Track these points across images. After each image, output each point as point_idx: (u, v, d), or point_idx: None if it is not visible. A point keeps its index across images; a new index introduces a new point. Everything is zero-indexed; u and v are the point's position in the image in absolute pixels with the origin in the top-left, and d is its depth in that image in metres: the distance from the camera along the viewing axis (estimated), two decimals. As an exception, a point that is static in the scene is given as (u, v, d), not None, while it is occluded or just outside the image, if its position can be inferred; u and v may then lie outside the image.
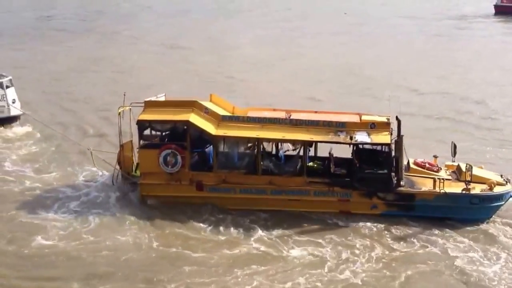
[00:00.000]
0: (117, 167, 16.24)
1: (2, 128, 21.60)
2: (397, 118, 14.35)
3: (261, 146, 14.86)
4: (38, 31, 47.49)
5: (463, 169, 14.57)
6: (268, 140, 15.01)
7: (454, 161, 15.49)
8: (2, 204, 15.60)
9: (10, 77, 22.28)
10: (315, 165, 15.48)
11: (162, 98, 16.54)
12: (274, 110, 16.36)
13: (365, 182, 14.39)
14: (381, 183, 14.36)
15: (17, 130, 21.63)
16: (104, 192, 16.13)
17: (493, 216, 14.37)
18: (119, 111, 15.98)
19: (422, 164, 14.99)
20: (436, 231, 13.82)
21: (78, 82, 29.54)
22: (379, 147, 14.60)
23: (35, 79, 29.90)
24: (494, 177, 14.79)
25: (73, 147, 19.48)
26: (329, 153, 15.51)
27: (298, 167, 14.86)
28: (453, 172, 15.12)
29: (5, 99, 21.56)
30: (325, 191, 14.55)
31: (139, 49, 39.55)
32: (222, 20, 52.99)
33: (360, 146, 14.59)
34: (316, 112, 16.20)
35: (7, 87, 21.84)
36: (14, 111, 21.93)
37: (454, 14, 58.58)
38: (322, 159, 15.73)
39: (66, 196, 16.03)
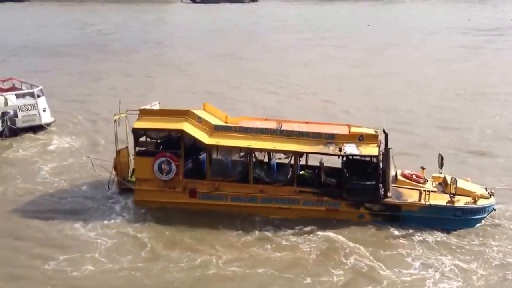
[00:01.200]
0: (113, 172, 16.72)
1: (33, 135, 22.49)
2: (384, 131, 14.74)
3: (253, 155, 15.29)
4: (83, 46, 48.84)
5: (449, 181, 14.99)
6: (260, 150, 15.45)
7: (441, 173, 15.90)
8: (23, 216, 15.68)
9: (41, 87, 23.49)
10: (306, 174, 15.92)
11: (157, 106, 17.02)
12: (266, 119, 16.82)
13: (353, 193, 14.80)
14: (369, 193, 14.76)
15: (47, 138, 22.31)
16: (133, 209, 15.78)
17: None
18: (115, 118, 16.45)
19: (409, 176, 15.38)
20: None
21: (134, 93, 29.50)
22: (367, 158, 15.00)
23: (85, 91, 30.76)
24: (479, 190, 15.16)
25: (104, 158, 18.61)
26: (320, 162, 15.92)
27: (288, 176, 15.27)
28: (440, 184, 15.50)
29: (36, 107, 22.77)
30: (314, 201, 14.97)
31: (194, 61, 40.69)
32: (259, 41, 53.07)
33: (350, 157, 15.01)
34: (307, 122, 16.64)
35: (38, 96, 23.04)
36: (44, 119, 23.07)
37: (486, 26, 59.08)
38: (313, 167, 16.15)
39: (99, 213, 15.69)
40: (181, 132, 15.35)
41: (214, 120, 16.42)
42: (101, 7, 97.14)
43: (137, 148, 15.90)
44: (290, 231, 14.51)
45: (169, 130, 15.64)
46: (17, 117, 22.31)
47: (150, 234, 14.48)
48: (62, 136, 22.47)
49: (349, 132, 15.41)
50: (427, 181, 15.42)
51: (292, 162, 15.35)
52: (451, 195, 14.39)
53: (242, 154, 15.59)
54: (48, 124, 23.28)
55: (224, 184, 15.37)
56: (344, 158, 14.90)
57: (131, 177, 16.75)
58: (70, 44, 49.89)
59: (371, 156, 14.76)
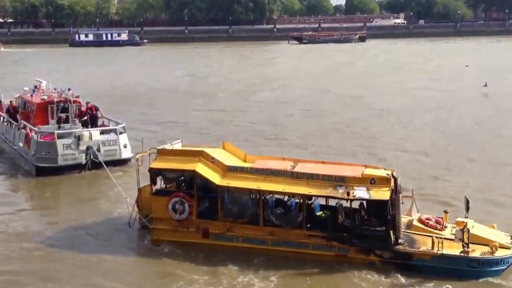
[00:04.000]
0: (136, 209, 17.23)
1: (113, 168, 23.25)
2: (393, 175, 14.17)
3: (263, 197, 15.23)
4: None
5: (470, 227, 14.18)
6: (269, 193, 15.36)
7: (467, 217, 15.05)
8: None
9: (123, 125, 25.18)
10: (323, 215, 15.63)
11: (179, 145, 17.40)
12: (284, 159, 16.69)
13: (363, 239, 14.34)
14: (379, 240, 14.24)
15: (125, 171, 23.30)
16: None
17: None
18: (137, 157, 17.02)
19: (426, 221, 14.67)
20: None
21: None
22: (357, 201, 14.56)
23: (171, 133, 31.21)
24: (502, 238, 14.22)
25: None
26: (336, 203, 15.57)
27: (298, 220, 15.06)
28: (461, 230, 14.64)
29: (117, 143, 24.18)
30: (324, 245, 14.65)
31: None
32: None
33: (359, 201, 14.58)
34: (323, 162, 16.34)
35: (121, 133, 24.58)
36: (124, 155, 24.48)
37: None
38: (333, 208, 15.81)
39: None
40: (194, 173, 15.59)
41: (233, 158, 16.56)
42: (209, 49, 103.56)
43: (154, 188, 16.33)
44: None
45: (183, 171, 15.94)
46: (99, 151, 23.66)
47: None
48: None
49: (362, 174, 14.92)
50: (446, 227, 14.63)
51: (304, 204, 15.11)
52: (464, 245, 13.56)
53: (252, 196, 15.56)
54: (128, 159, 24.43)
55: (236, 225, 15.42)
56: (353, 202, 14.50)
57: None
58: (169, 87, 53.36)
59: (380, 201, 14.20)
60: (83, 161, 23.53)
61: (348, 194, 14.31)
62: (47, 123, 25.63)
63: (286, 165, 15.82)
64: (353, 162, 17.77)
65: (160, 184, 16.81)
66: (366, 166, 15.65)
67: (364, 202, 14.94)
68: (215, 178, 15.46)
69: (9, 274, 14.79)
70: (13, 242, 16.74)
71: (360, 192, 14.34)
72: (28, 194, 22.31)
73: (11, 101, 28.82)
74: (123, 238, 17.00)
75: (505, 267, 13.72)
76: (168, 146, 17.06)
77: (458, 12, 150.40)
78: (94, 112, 26.28)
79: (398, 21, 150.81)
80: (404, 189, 14.92)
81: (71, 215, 18.95)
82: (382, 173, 14.78)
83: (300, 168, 15.62)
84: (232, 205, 15.71)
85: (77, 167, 23.56)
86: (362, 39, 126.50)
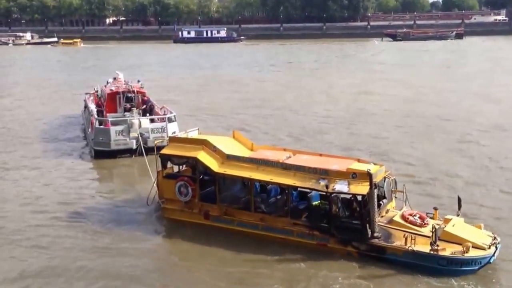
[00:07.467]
0: (156, 190, 18.90)
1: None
2: (368, 171, 14.54)
3: (254, 185, 16.23)
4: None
5: (451, 226, 14.31)
6: (259, 181, 16.31)
7: (459, 215, 15.16)
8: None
9: (174, 114, 27.04)
10: (320, 205, 16.32)
11: (195, 132, 18.84)
12: (285, 149, 17.61)
13: (341, 230, 14.91)
14: (355, 232, 14.73)
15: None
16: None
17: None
18: (155, 142, 18.68)
19: (407, 217, 14.92)
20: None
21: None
22: (359, 197, 14.96)
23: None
24: (482, 238, 14.15)
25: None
26: (331, 194, 16.14)
27: (285, 208, 15.91)
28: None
29: (166, 131, 25.93)
30: (306, 234, 15.39)
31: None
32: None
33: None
34: (320, 155, 17.02)
35: (171, 121, 26.43)
36: None
37: None
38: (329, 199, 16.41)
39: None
40: (195, 159, 16.94)
41: (238, 148, 17.71)
42: (299, 45, 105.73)
43: (164, 171, 17.89)
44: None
45: (187, 157, 17.33)
46: (149, 138, 25.69)
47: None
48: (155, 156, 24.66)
49: (346, 168, 15.41)
50: (427, 224, 14.78)
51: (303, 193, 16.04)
52: (432, 243, 13.70)
53: (245, 183, 16.59)
54: None
55: (231, 210, 16.56)
56: (333, 195, 15.07)
57: None
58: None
59: (358, 195, 14.69)
60: (134, 147, 25.63)
61: (327, 187, 14.92)
62: (116, 111, 28.28)
63: (281, 156, 16.69)
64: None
65: (179, 168, 18.41)
66: (358, 160, 16.14)
67: (358, 196, 15.42)
68: (214, 165, 16.68)
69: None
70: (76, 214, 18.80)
71: (340, 186, 14.88)
72: (87, 173, 24.57)
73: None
74: (145, 213, 18.65)
75: (477, 267, 13.65)
76: (182, 134, 18.54)
77: None
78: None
79: (499, 17, 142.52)
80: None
81: (116, 193, 21.12)
82: (364, 168, 15.19)
83: (293, 159, 16.43)
84: (228, 191, 16.86)
85: (128, 152, 25.73)
86: (459, 36, 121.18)
